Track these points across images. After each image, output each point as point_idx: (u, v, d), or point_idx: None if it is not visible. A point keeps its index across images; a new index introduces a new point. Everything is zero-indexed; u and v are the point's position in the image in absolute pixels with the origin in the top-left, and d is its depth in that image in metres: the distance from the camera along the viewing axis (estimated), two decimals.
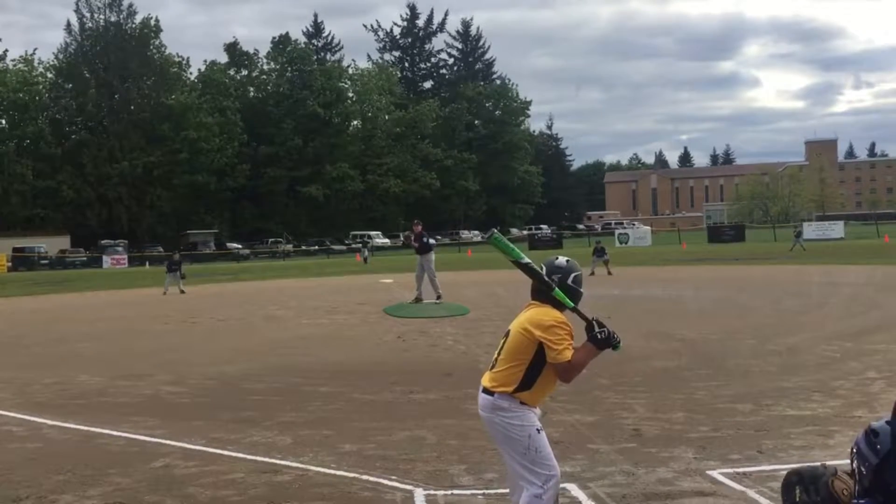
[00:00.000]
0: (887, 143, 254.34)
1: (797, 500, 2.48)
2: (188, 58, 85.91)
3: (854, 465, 2.13)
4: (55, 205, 75.71)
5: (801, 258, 35.49)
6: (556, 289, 4.14)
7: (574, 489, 5.51)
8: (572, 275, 4.25)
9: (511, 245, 4.36)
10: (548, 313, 4.10)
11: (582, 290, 4.30)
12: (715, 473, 5.73)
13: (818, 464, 2.47)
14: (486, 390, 4.17)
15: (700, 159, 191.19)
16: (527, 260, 4.27)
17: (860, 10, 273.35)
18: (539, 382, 4.11)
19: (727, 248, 50.08)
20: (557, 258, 4.38)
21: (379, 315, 17.78)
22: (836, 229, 60.89)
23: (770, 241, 56.97)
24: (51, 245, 67.68)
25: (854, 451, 2.16)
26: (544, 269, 4.27)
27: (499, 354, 4.22)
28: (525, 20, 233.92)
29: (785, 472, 5.59)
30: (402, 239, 18.16)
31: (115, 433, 7.57)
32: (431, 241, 19.66)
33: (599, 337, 4.01)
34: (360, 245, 61.10)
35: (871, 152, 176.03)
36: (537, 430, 4.09)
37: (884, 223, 71.23)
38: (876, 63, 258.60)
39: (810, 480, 2.50)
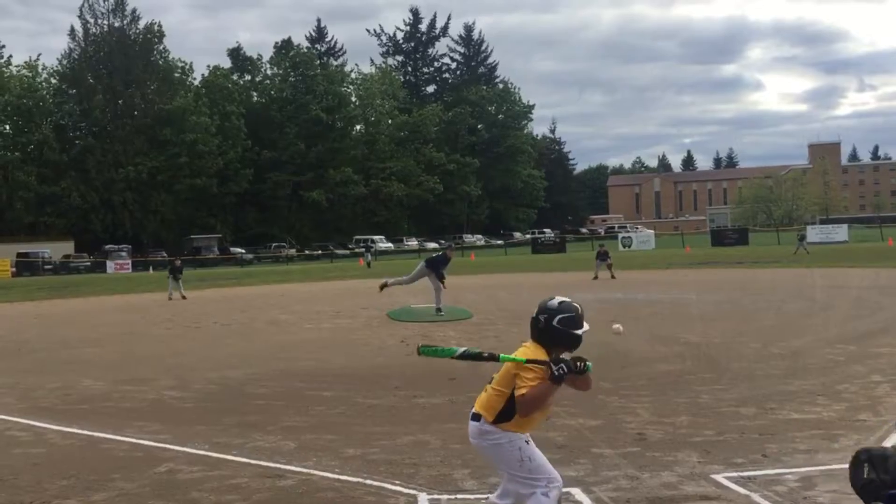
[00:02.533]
0: (891, 146, 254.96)
1: (865, 476, 2.51)
2: (191, 63, 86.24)
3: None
4: (59, 210, 75.89)
5: (804, 261, 35.43)
6: (501, 355, 4.19)
7: (578, 493, 5.49)
8: (558, 317, 4.19)
9: (440, 348, 4.39)
10: (532, 353, 4.17)
11: (576, 332, 4.20)
12: (719, 477, 5.71)
13: (888, 446, 2.51)
14: (474, 416, 4.28)
15: (703, 163, 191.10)
16: (461, 350, 4.34)
17: (864, 12, 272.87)
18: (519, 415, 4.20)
19: (731, 252, 50.02)
20: (553, 299, 4.32)
21: (382, 319, 17.78)
22: (840, 232, 60.77)
23: (774, 244, 56.91)
24: (55, 250, 67.85)
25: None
26: (537, 308, 4.29)
27: (490, 381, 4.33)
28: (528, 24, 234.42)
29: (789, 476, 5.60)
30: (441, 252, 17.45)
31: (118, 438, 7.57)
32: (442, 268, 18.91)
33: (557, 374, 4.02)
34: (364, 249, 61.08)
35: (875, 155, 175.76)
36: (525, 441, 4.20)
37: (888, 226, 71.13)
38: (879, 65, 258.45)
39: (879, 460, 2.52)
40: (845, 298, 18.89)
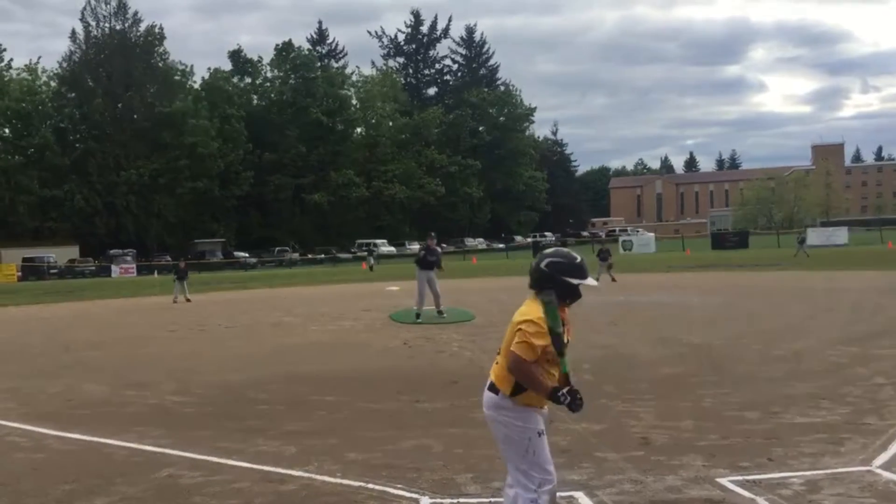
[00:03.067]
0: (895, 147, 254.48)
1: None
2: (192, 66, 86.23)
3: None
4: (64, 214, 75.94)
5: (805, 265, 35.40)
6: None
7: (581, 497, 5.47)
8: (547, 260, 4.14)
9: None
10: (532, 309, 4.07)
11: (568, 280, 4.06)
12: (724, 481, 5.68)
13: None
14: (491, 386, 4.17)
15: (706, 164, 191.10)
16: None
17: (866, 13, 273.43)
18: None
19: (731, 255, 50.00)
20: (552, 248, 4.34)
21: (385, 322, 17.77)
22: (840, 235, 60.64)
23: (774, 247, 56.83)
24: (60, 255, 67.92)
25: None
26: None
27: (500, 350, 4.24)
28: (530, 25, 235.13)
29: (794, 479, 5.58)
30: (418, 250, 17.46)
31: (119, 443, 7.55)
32: (435, 255, 18.61)
33: (557, 396, 3.95)
34: (366, 253, 60.96)
35: (878, 156, 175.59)
36: (538, 433, 4.08)
37: (888, 229, 71.01)
38: (883, 66, 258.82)
39: None
40: (846, 301, 18.86)
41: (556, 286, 4.06)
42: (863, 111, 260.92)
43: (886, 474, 5.70)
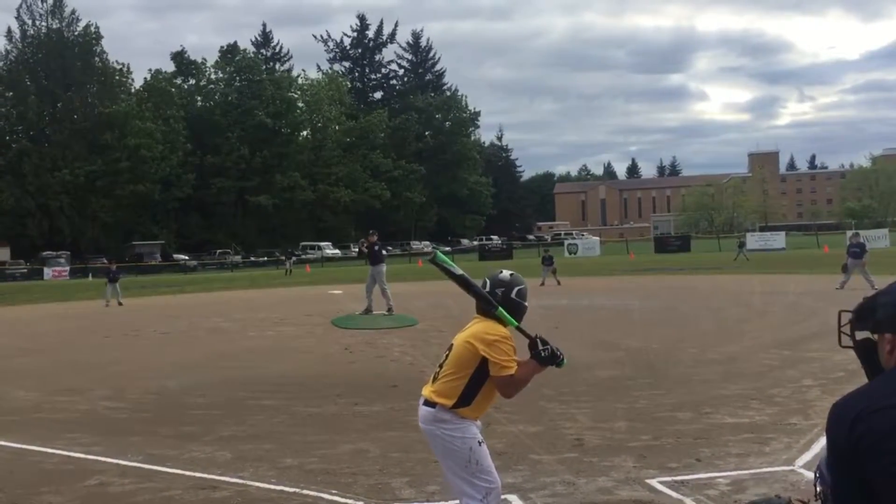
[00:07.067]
0: (827, 156, 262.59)
1: None
2: (128, 64, 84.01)
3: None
4: None
5: (744, 268, 36.21)
6: (499, 308, 4.14)
7: (515, 500, 5.52)
8: (516, 288, 4.25)
9: (450, 263, 4.37)
10: (492, 328, 4.11)
11: (526, 303, 4.30)
12: (654, 482, 5.79)
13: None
14: (427, 402, 4.16)
15: (647, 170, 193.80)
16: (461, 273, 4.28)
17: (807, 24, 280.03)
18: (479, 397, 4.12)
19: (673, 259, 50.88)
20: (501, 272, 4.37)
21: (326, 326, 17.66)
22: (778, 240, 62.25)
23: (715, 251, 58.03)
24: None
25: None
26: (488, 283, 4.26)
27: (441, 367, 4.22)
28: (481, 31, 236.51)
29: (721, 479, 5.71)
30: (356, 249, 17.61)
31: (48, 450, 7.37)
32: (384, 251, 19.62)
33: (543, 355, 4.04)
34: (285, 257, 57.11)
35: (812, 164, 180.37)
36: (478, 442, 4.10)
37: (824, 234, 73.10)
38: (819, 77, 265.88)
39: None
40: (781, 304, 19.34)
41: (521, 312, 4.27)
42: (798, 120, 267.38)
43: (808, 474, 5.84)
